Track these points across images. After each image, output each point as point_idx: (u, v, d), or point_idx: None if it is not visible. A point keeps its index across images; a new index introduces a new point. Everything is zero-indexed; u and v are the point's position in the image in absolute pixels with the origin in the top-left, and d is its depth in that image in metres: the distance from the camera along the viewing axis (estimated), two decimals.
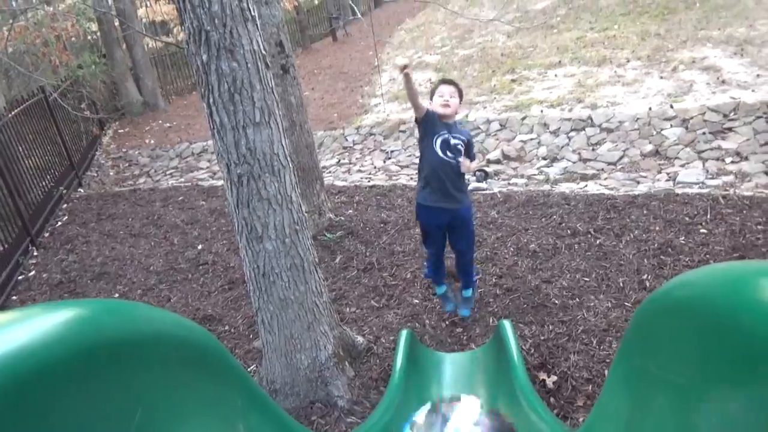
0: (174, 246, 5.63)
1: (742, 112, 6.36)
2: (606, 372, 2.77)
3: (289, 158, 2.63)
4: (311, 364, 2.89)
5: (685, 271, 3.45)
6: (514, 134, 7.65)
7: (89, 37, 14.13)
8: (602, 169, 6.44)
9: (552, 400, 2.70)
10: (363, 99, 10.70)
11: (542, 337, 3.17)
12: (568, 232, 4.37)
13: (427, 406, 2.59)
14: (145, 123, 12.61)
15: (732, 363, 1.01)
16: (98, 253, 5.82)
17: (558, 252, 4.11)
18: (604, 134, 7.00)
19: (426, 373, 2.91)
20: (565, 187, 5.71)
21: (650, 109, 7.02)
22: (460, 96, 3.13)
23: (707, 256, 3.73)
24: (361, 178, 7.32)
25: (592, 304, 3.41)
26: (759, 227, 3.95)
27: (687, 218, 4.25)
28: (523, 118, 7.79)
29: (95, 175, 9.77)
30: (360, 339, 3.31)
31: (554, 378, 2.82)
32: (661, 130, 6.66)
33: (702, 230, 4.05)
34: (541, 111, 7.85)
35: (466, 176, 3.19)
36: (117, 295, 4.85)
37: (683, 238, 3.99)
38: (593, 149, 6.86)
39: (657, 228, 4.19)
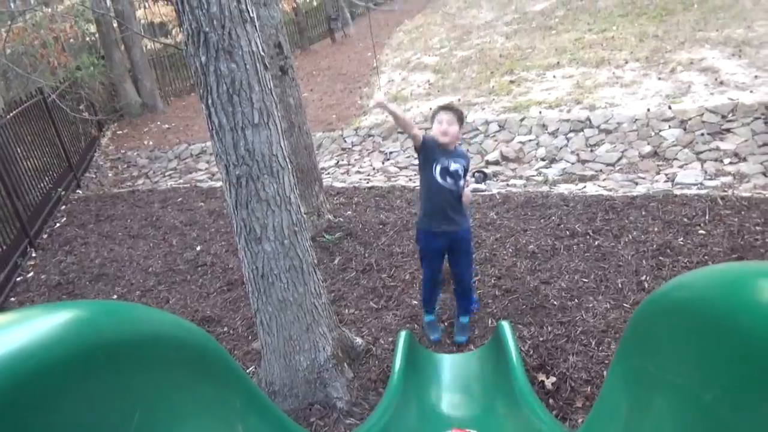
0: (173, 247, 5.62)
1: (741, 113, 6.37)
2: (605, 373, 2.77)
3: (287, 159, 2.63)
4: (310, 365, 2.89)
5: (683, 272, 3.46)
6: (512, 135, 7.66)
7: (88, 39, 14.12)
8: (601, 170, 6.45)
9: (551, 401, 2.70)
10: (361, 100, 10.70)
11: (541, 338, 3.17)
12: (567, 233, 4.37)
13: None
14: (143, 124, 12.61)
15: (730, 364, 1.01)
16: (97, 255, 5.81)
17: (557, 253, 4.12)
18: (603, 135, 7.00)
19: (425, 375, 2.91)
20: (563, 188, 5.72)
21: (648, 110, 7.03)
22: (461, 121, 3.08)
23: (706, 257, 3.74)
24: (360, 179, 7.33)
25: (590, 305, 3.41)
26: (757, 228, 3.95)
27: (685, 219, 4.26)
28: (522, 120, 7.80)
29: (94, 176, 9.76)
30: (359, 340, 3.31)
31: (553, 379, 2.82)
32: (660, 131, 6.67)
33: (700, 231, 4.06)
34: (540, 112, 7.86)
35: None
36: (115, 296, 4.85)
37: (682, 239, 4.00)
38: (592, 150, 6.86)
39: (655, 229, 4.19)
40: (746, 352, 0.95)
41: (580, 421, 2.54)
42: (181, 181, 8.99)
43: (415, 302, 3.75)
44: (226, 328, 3.91)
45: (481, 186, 6.02)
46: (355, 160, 8.40)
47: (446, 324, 3.52)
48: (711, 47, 8.73)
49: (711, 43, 8.87)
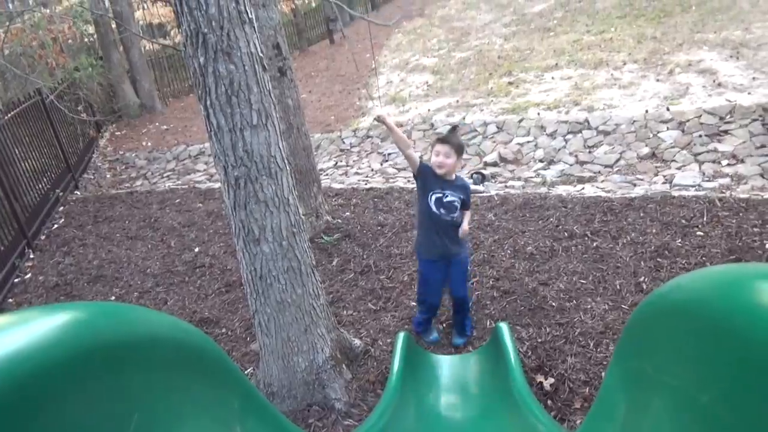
0: (171, 249, 5.62)
1: (738, 115, 6.39)
2: (603, 374, 2.77)
3: (286, 161, 2.63)
4: (308, 366, 2.89)
5: (681, 273, 3.46)
6: (511, 137, 7.67)
7: (86, 40, 14.10)
8: (599, 172, 6.46)
9: (549, 402, 2.70)
10: (360, 101, 10.70)
11: (539, 340, 3.17)
12: (565, 234, 4.38)
13: None
14: (142, 125, 12.60)
15: (728, 366, 1.01)
16: (95, 256, 5.80)
17: (555, 254, 4.12)
18: (601, 137, 7.01)
19: (423, 376, 2.91)
20: (562, 190, 5.72)
21: (647, 111, 7.04)
22: (459, 152, 3.03)
23: (703, 258, 3.74)
24: (359, 180, 7.33)
25: (589, 306, 3.41)
26: (755, 229, 3.96)
27: (683, 221, 4.26)
28: (520, 121, 7.80)
29: (92, 177, 9.75)
30: (357, 342, 3.31)
31: (551, 380, 2.82)
32: (658, 132, 6.68)
33: (698, 233, 4.06)
34: (538, 114, 7.87)
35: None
36: (113, 297, 4.84)
37: (680, 240, 4.00)
38: (590, 152, 6.87)
39: (653, 230, 4.20)
40: (744, 354, 0.95)
41: (578, 422, 2.54)
42: (180, 182, 8.98)
43: (414, 303, 3.75)
44: (224, 330, 3.91)
45: (480, 187, 6.03)
46: (354, 161, 8.40)
47: (444, 325, 3.52)
48: (709, 49, 8.75)
49: (709, 45, 8.89)
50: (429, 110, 9.15)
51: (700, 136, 6.38)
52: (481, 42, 12.68)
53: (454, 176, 3.08)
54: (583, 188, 5.81)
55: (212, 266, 4.99)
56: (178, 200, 7.17)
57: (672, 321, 1.25)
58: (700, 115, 6.60)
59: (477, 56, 11.58)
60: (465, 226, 3.10)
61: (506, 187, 6.27)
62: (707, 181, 5.61)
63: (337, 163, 8.47)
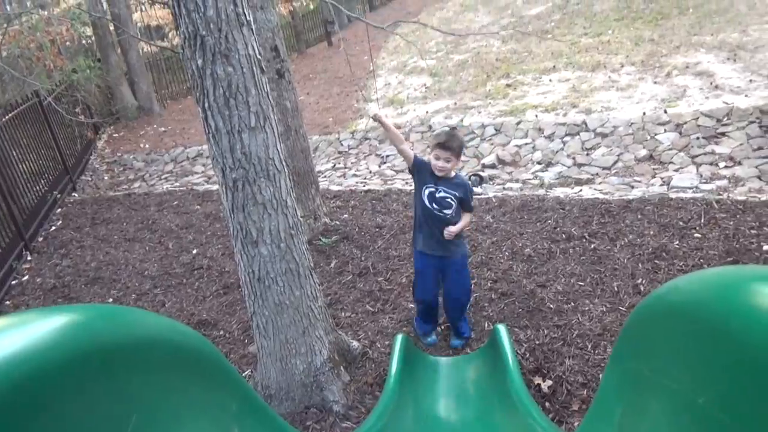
0: (169, 251, 5.61)
1: (735, 117, 6.40)
2: (601, 376, 2.77)
3: (284, 163, 2.63)
4: (306, 368, 2.89)
5: (679, 275, 3.47)
6: (509, 139, 7.68)
7: (84, 42, 14.12)
8: (597, 174, 6.46)
9: (547, 404, 2.70)
10: (358, 103, 10.71)
11: (537, 342, 3.17)
12: (563, 236, 4.38)
13: None
14: (139, 127, 12.59)
15: (724, 368, 1.01)
16: (92, 258, 5.80)
17: (553, 256, 4.12)
18: (599, 139, 7.03)
19: (421, 378, 2.91)
20: (559, 192, 5.73)
21: (644, 114, 7.05)
22: (459, 154, 3.03)
23: (701, 260, 3.75)
24: (357, 182, 7.33)
25: (586, 308, 3.42)
26: (752, 231, 3.97)
27: (681, 223, 4.27)
28: (518, 123, 7.82)
29: (90, 179, 9.74)
30: (355, 344, 3.30)
31: (549, 382, 2.82)
32: (655, 134, 6.69)
33: (696, 235, 4.07)
34: (536, 116, 7.88)
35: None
36: (111, 300, 4.83)
37: (677, 242, 4.01)
38: (588, 154, 6.88)
39: (651, 232, 4.20)
40: (741, 356, 0.96)
41: (576, 424, 2.54)
42: (178, 184, 8.98)
43: (412, 305, 3.75)
44: (222, 332, 3.90)
45: (477, 189, 6.04)
46: (352, 163, 8.40)
47: (442, 327, 3.52)
48: (706, 51, 8.77)
49: (706, 48, 8.91)
50: (427, 112, 9.16)
51: (698, 138, 6.39)
52: (479, 44, 12.70)
53: (453, 173, 3.09)
54: (580, 190, 5.82)
55: (210, 268, 4.98)
56: (176, 202, 7.16)
57: (669, 323, 1.25)
58: (698, 118, 6.62)
59: (475, 58, 11.60)
60: (454, 227, 3.04)
61: (504, 189, 6.28)
62: (704, 183, 5.62)
63: (335, 165, 8.47)
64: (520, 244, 4.36)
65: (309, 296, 2.85)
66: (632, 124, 6.96)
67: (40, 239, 6.67)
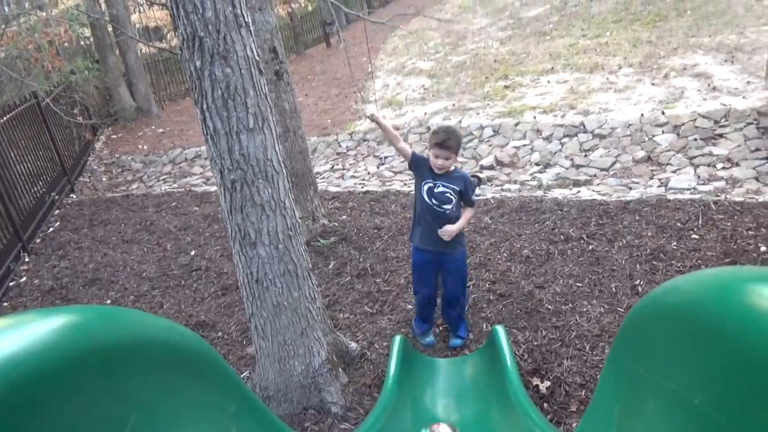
0: (167, 252, 5.61)
1: (733, 119, 6.42)
2: (599, 377, 2.77)
3: (282, 164, 2.63)
4: (305, 370, 2.89)
5: (677, 276, 3.47)
6: (507, 140, 7.68)
7: (82, 43, 14.10)
8: (595, 175, 6.47)
9: (545, 405, 2.71)
10: (356, 105, 10.71)
11: (535, 343, 3.17)
12: (561, 237, 4.39)
13: None
14: (138, 128, 12.58)
15: (721, 368, 1.01)
16: (90, 259, 5.79)
17: (551, 257, 4.13)
18: (597, 140, 7.03)
19: (419, 379, 2.91)
20: (557, 193, 5.73)
21: (642, 115, 7.06)
22: (457, 151, 3.04)
23: (699, 261, 3.76)
24: (355, 183, 7.33)
25: (585, 309, 3.42)
26: (750, 233, 3.98)
27: (679, 224, 4.28)
28: (516, 124, 7.82)
29: (88, 180, 9.73)
30: (353, 345, 3.30)
31: (547, 383, 2.82)
32: (653, 136, 6.70)
33: (694, 236, 4.08)
34: (534, 117, 7.88)
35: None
36: (109, 301, 4.83)
37: (675, 243, 4.01)
38: (586, 155, 6.89)
39: (649, 233, 4.21)
40: (737, 356, 0.96)
41: (574, 425, 2.54)
42: (176, 185, 8.97)
43: (410, 306, 3.75)
44: (220, 333, 3.90)
45: (476, 190, 6.03)
46: (350, 164, 8.40)
47: (441, 328, 3.52)
48: (704, 53, 8.79)
49: (704, 49, 8.93)
50: (425, 113, 9.17)
51: (695, 139, 6.41)
52: (478, 46, 12.72)
53: (452, 168, 3.10)
54: (579, 191, 5.83)
55: (208, 269, 4.98)
56: (174, 203, 7.16)
57: (667, 323, 1.25)
58: (695, 119, 6.63)
59: (473, 60, 11.61)
60: (451, 227, 3.02)
61: (502, 190, 6.29)
62: (702, 184, 5.63)
63: (333, 166, 8.47)
64: (519, 246, 4.36)
65: (307, 297, 2.86)
66: (630, 125, 6.97)
67: (38, 241, 6.66)
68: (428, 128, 8.49)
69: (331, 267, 4.51)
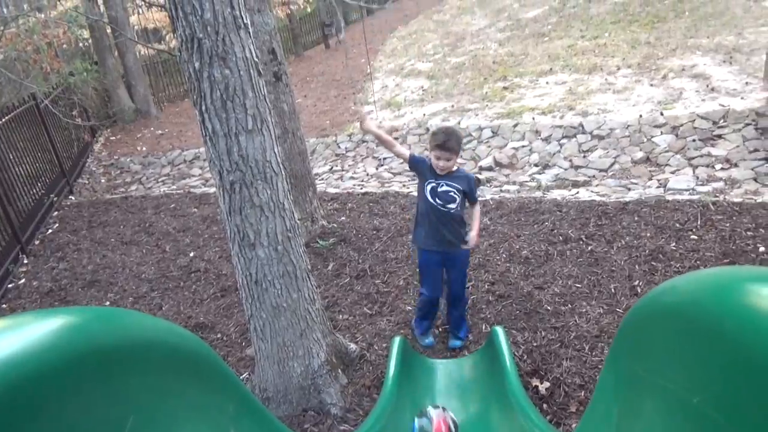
0: (166, 253, 5.61)
1: (731, 120, 6.43)
2: (598, 378, 2.77)
3: (281, 165, 2.63)
4: (304, 371, 2.89)
5: (676, 276, 3.47)
6: (506, 141, 7.69)
7: (81, 44, 14.10)
8: (593, 176, 6.48)
9: (545, 406, 2.71)
10: (355, 106, 10.72)
11: (535, 344, 3.17)
12: (560, 238, 4.39)
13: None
14: (137, 130, 12.57)
15: (720, 368, 1.01)
16: (89, 261, 5.78)
17: (550, 258, 4.13)
18: (596, 141, 7.04)
19: (419, 380, 2.91)
20: (556, 194, 5.73)
21: (641, 116, 7.07)
22: (458, 152, 3.05)
23: (698, 262, 3.76)
24: (354, 185, 7.33)
25: (584, 310, 3.42)
26: (748, 233, 3.98)
27: (677, 224, 4.28)
28: (515, 126, 7.83)
29: (86, 182, 9.72)
30: (353, 346, 3.30)
31: (547, 384, 2.82)
32: (652, 137, 6.71)
33: (692, 236, 4.08)
34: (533, 118, 7.89)
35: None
36: (108, 303, 4.82)
37: (674, 244, 4.02)
38: (584, 156, 6.90)
39: (648, 234, 4.21)
40: (735, 356, 0.96)
41: (573, 425, 2.54)
42: (175, 187, 8.96)
43: (410, 308, 3.75)
44: (219, 335, 3.90)
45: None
46: (349, 165, 8.40)
47: (440, 329, 3.52)
48: (702, 54, 8.80)
49: (702, 50, 8.95)
50: (424, 115, 9.17)
51: (694, 140, 6.41)
52: (476, 47, 12.73)
53: (454, 167, 3.10)
54: (577, 192, 5.83)
55: (207, 271, 4.98)
56: (173, 205, 7.15)
57: (665, 323, 1.26)
58: (694, 120, 6.64)
59: (472, 61, 11.62)
60: (474, 231, 3.08)
61: (501, 191, 6.29)
62: (701, 185, 5.63)
63: (332, 167, 8.47)
64: (518, 246, 4.37)
65: (306, 299, 2.85)
66: (629, 126, 6.98)
67: (37, 242, 6.65)
68: (427, 129, 8.50)
69: (330, 268, 4.51)
